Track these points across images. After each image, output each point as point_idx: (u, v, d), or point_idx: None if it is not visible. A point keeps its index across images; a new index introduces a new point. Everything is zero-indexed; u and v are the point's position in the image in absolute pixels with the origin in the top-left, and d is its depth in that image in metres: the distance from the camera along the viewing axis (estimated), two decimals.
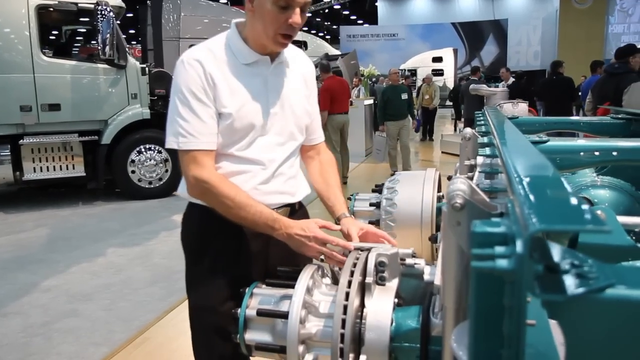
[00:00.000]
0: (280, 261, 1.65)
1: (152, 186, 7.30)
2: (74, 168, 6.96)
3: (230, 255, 1.65)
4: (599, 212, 1.15)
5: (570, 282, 0.63)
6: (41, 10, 6.61)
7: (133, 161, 7.18)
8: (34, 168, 6.76)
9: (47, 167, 6.84)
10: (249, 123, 1.58)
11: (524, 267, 0.58)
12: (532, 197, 0.68)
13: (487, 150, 1.69)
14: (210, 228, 1.63)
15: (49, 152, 6.84)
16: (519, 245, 0.59)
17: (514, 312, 0.61)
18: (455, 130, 14.71)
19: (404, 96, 8.54)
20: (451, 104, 17.29)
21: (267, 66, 1.63)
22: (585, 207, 0.63)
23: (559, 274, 0.65)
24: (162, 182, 7.33)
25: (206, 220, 1.63)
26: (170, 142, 1.55)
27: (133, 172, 7.20)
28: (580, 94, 8.85)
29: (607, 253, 1.15)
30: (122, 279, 4.32)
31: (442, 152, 11.49)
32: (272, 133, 1.64)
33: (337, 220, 1.71)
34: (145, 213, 6.47)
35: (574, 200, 0.65)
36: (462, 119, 10.97)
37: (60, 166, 6.90)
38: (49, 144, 6.81)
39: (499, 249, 0.65)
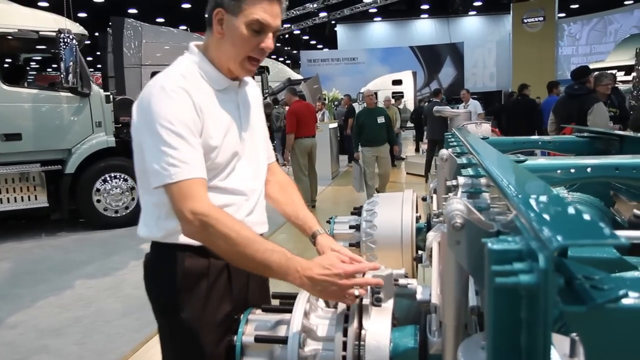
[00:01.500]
0: (260, 292, 1.65)
1: (118, 215, 7.15)
2: (36, 199, 6.78)
3: (219, 294, 1.53)
4: None
5: (587, 294, 0.66)
6: (0, 38, 6.48)
7: (98, 190, 7.04)
8: None
9: (8, 199, 6.65)
10: (232, 153, 1.51)
11: (549, 281, 0.61)
12: (544, 214, 0.71)
13: (470, 171, 1.75)
14: (195, 269, 1.50)
15: (9, 182, 6.65)
16: (542, 261, 0.62)
17: (538, 325, 0.64)
18: (417, 151, 14.96)
19: (381, 120, 7.82)
20: (412, 125, 17.65)
21: (236, 91, 1.58)
22: (600, 222, 0.67)
23: (575, 286, 0.69)
24: (128, 211, 7.19)
25: (190, 261, 1.49)
26: (160, 178, 1.35)
27: (98, 201, 7.05)
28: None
29: (596, 266, 1.20)
30: (93, 311, 4.20)
31: (407, 173, 11.67)
32: (247, 160, 1.58)
33: (312, 238, 1.66)
34: (113, 243, 6.32)
35: (587, 216, 0.69)
36: (426, 140, 11.19)
37: (22, 197, 6.71)
38: (10, 175, 6.62)
39: (518, 265, 0.68)
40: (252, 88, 1.69)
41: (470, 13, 32.31)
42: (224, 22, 1.45)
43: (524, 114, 8.52)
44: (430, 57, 31.91)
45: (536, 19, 24.28)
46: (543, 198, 0.88)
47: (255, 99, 1.69)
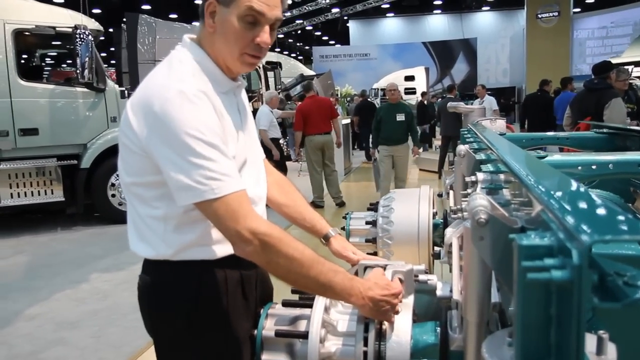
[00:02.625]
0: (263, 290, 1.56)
1: None
2: (52, 193, 6.84)
3: (239, 310, 1.41)
4: None
5: (621, 291, 0.66)
6: (18, 34, 6.54)
7: (113, 185, 7.09)
8: (11, 194, 6.63)
9: (25, 193, 6.72)
10: (243, 160, 1.39)
11: (583, 277, 0.60)
12: (576, 210, 0.71)
13: (490, 167, 1.74)
14: (213, 286, 1.36)
15: (26, 177, 6.72)
16: (576, 257, 0.62)
17: (571, 321, 0.64)
18: (430, 147, 14.90)
19: (400, 117, 7.23)
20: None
21: (235, 92, 1.44)
22: (627, 216, 0.66)
23: (607, 283, 0.69)
24: None
25: (207, 277, 1.36)
26: (197, 193, 1.20)
27: (113, 195, 7.10)
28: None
29: (622, 263, 1.19)
30: (109, 305, 4.24)
31: (420, 170, 11.63)
32: (251, 166, 1.46)
33: (325, 240, 1.63)
34: (127, 237, 6.32)
35: (619, 212, 0.69)
36: (439, 136, 11.15)
37: (39, 191, 6.78)
38: (26, 169, 6.69)
39: (549, 261, 0.68)
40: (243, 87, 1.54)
41: (484, 8, 32.08)
42: (217, 15, 1.30)
43: (540, 109, 8.49)
44: (443, 53, 31.75)
45: (551, 14, 23.98)
46: (571, 193, 0.87)
47: (246, 98, 1.56)
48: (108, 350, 3.49)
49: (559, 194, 0.84)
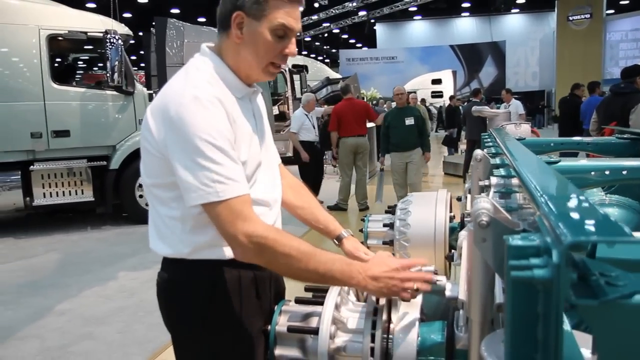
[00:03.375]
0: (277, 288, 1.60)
1: None
2: (82, 193, 7.03)
3: (252, 308, 1.46)
4: None
5: (601, 289, 0.69)
6: (52, 39, 6.76)
7: (140, 185, 7.25)
8: (44, 193, 6.83)
9: (57, 193, 6.91)
10: (256, 164, 1.43)
11: (561, 275, 0.65)
12: (560, 213, 0.75)
13: (502, 171, 1.77)
14: (227, 284, 1.41)
15: (58, 177, 6.91)
16: (555, 256, 0.66)
17: (550, 318, 0.68)
18: (456, 151, 14.81)
19: (409, 121, 7.03)
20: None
21: (251, 98, 1.49)
22: (610, 220, 0.70)
23: (590, 282, 0.72)
24: None
25: (222, 276, 1.41)
26: (202, 195, 1.25)
27: (141, 196, 7.26)
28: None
29: (624, 266, 1.21)
30: (135, 302, 4.37)
31: (445, 174, 11.58)
32: (266, 170, 1.50)
33: (337, 241, 1.66)
34: None
35: (601, 214, 0.72)
36: (464, 140, 11.08)
37: (70, 191, 6.98)
38: (59, 170, 6.89)
39: (534, 260, 0.72)
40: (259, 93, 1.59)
41: (513, 11, 31.71)
42: (244, 27, 1.35)
43: (570, 114, 8.37)
44: (471, 56, 31.50)
45: (582, 16, 23.54)
46: (564, 197, 0.91)
47: (262, 103, 1.60)
48: (133, 345, 3.60)
49: (552, 197, 0.87)
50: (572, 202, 0.85)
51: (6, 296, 4.65)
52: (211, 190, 1.25)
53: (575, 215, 0.75)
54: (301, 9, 1.40)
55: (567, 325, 0.88)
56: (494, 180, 1.88)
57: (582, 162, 1.93)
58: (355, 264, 1.32)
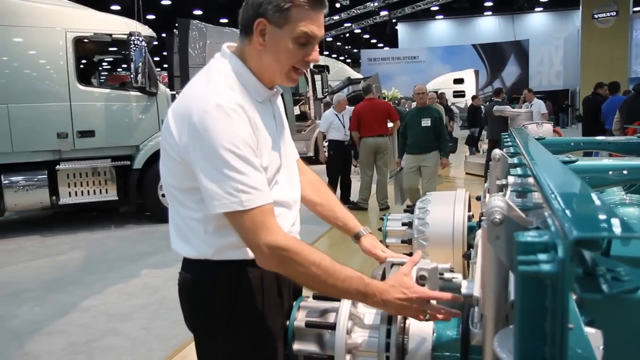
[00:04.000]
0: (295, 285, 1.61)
1: None
2: (107, 192, 7.16)
3: (274, 307, 1.49)
4: None
5: (606, 284, 0.71)
6: (78, 41, 6.91)
7: None
8: (69, 192, 6.98)
9: (82, 192, 7.06)
10: (277, 167, 1.44)
11: (566, 270, 0.67)
12: (568, 210, 0.77)
13: (519, 170, 1.78)
14: (250, 284, 1.44)
15: (83, 177, 7.06)
16: (561, 251, 0.68)
17: (556, 312, 0.70)
18: (478, 150, 14.69)
19: (425, 122, 6.75)
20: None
21: (271, 100, 1.51)
22: (617, 216, 0.72)
23: (596, 277, 0.74)
24: None
25: (245, 276, 1.43)
26: (227, 204, 1.27)
27: (163, 195, 7.34)
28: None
29: (638, 264, 1.22)
30: (158, 299, 4.45)
31: (466, 173, 11.51)
32: (285, 171, 1.51)
33: (356, 238, 1.69)
34: None
35: (606, 211, 0.74)
36: (486, 140, 10.99)
37: (94, 190, 7.11)
38: (84, 169, 7.04)
39: (542, 256, 0.75)
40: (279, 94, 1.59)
41: (537, 9, 31.31)
42: (267, 34, 1.36)
43: (593, 113, 8.30)
44: (494, 55, 31.21)
45: (608, 14, 23.12)
46: (574, 195, 0.93)
47: (281, 103, 1.61)
48: (156, 341, 3.67)
49: (562, 195, 0.89)
50: (582, 200, 0.87)
51: (33, 292, 4.78)
52: (236, 200, 1.27)
53: (582, 212, 0.77)
54: (325, 11, 1.40)
55: (580, 322, 0.89)
56: (511, 179, 1.90)
57: (600, 161, 1.93)
58: (372, 284, 1.32)
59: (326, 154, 8.51)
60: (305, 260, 1.28)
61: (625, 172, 1.73)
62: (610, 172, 1.74)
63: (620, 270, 0.77)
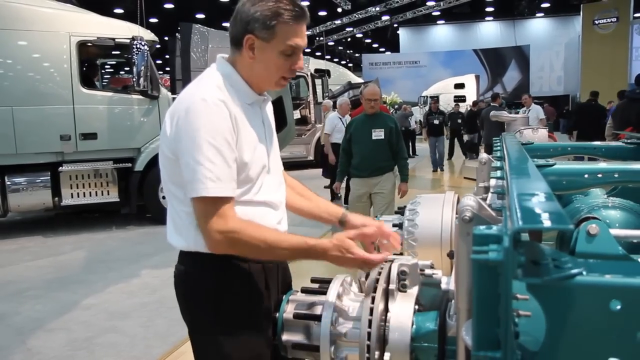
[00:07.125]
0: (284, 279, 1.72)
1: None
2: (108, 194, 7.27)
3: (260, 298, 1.58)
4: (593, 225, 1.32)
5: (546, 270, 0.81)
6: (81, 45, 7.02)
7: None
8: (72, 194, 7.08)
9: (84, 193, 7.17)
10: (262, 166, 1.55)
11: (509, 257, 0.76)
12: (517, 207, 0.86)
13: (498, 173, 1.88)
14: (236, 276, 1.54)
15: (85, 178, 7.16)
16: (506, 241, 0.78)
17: (502, 296, 0.79)
18: (477, 156, 14.78)
19: (377, 134, 4.84)
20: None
21: (261, 105, 1.62)
22: (558, 211, 0.81)
23: (540, 265, 0.83)
24: None
25: (232, 268, 1.53)
26: (200, 189, 1.38)
27: (164, 197, 7.43)
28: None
29: (600, 260, 1.31)
30: (157, 299, 4.54)
31: (465, 178, 11.60)
32: (272, 173, 1.63)
33: (342, 219, 1.77)
34: None
35: (554, 208, 0.83)
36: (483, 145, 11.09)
37: (96, 192, 7.22)
38: (86, 171, 7.15)
39: (492, 246, 0.84)
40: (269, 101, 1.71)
41: (538, 15, 31.42)
42: (256, 48, 1.48)
43: (591, 119, 8.41)
44: (495, 60, 31.32)
45: (609, 20, 23.20)
46: (530, 194, 1.02)
47: (271, 112, 1.72)
48: (155, 338, 3.76)
49: (519, 194, 0.99)
50: (535, 198, 0.96)
51: (35, 291, 4.88)
52: (202, 186, 1.39)
53: (529, 208, 0.87)
54: (307, 22, 1.53)
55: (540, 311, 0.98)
56: (492, 182, 2.00)
57: (577, 165, 2.02)
58: (316, 245, 1.48)
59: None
60: (252, 238, 1.42)
61: (599, 175, 1.82)
62: (586, 175, 1.82)
63: (564, 260, 0.86)
